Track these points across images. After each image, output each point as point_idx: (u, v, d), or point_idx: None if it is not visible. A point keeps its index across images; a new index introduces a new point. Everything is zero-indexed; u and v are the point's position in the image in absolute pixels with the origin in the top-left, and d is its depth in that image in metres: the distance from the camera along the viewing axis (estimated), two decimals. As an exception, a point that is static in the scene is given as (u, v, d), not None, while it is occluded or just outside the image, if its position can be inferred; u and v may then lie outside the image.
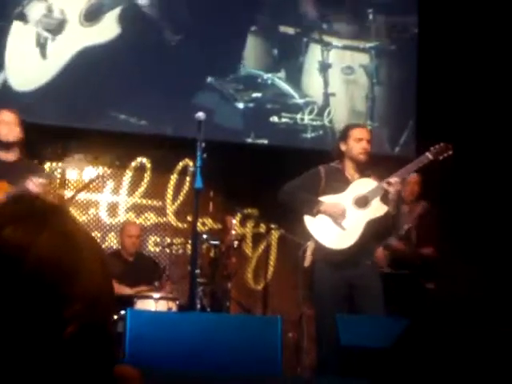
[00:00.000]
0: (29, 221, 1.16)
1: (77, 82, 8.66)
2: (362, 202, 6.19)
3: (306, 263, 6.16)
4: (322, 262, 6.12)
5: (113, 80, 8.78)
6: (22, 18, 8.62)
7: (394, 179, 6.13)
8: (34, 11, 8.62)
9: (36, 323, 1.11)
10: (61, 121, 8.67)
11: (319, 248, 6.13)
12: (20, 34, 8.62)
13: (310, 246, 6.16)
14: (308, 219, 6.19)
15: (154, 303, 7.14)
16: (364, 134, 6.34)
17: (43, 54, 8.67)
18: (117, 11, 8.84)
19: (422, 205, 7.83)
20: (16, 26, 8.61)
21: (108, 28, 8.80)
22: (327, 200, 6.19)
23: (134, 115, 8.78)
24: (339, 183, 6.24)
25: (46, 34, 8.67)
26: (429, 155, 6.35)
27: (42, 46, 8.67)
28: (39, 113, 8.53)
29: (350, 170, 6.31)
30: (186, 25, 9.01)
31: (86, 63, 8.69)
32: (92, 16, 8.79)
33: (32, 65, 8.65)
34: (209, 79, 9.01)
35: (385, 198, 6.20)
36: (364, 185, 6.25)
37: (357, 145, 6.24)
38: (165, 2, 9.02)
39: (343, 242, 6.11)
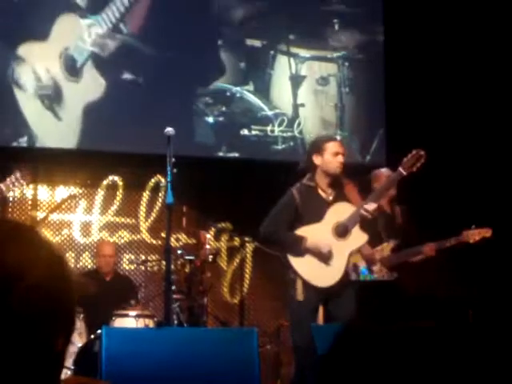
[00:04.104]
0: (18, 243, 1.15)
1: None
2: (342, 231, 6.05)
3: (299, 297, 6.01)
4: (308, 291, 6.03)
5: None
6: (18, 85, 8.67)
7: (371, 207, 6.03)
8: (25, 78, 8.66)
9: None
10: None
11: (306, 283, 6.02)
12: (24, 101, 8.69)
13: (299, 281, 6.02)
14: (293, 258, 6.04)
15: (130, 321, 7.10)
16: (339, 147, 6.19)
17: (57, 116, 8.75)
18: (89, 64, 8.88)
19: (402, 209, 7.35)
20: (16, 91, 8.69)
21: (94, 82, 8.87)
22: (308, 233, 6.02)
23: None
24: (315, 205, 6.08)
25: (47, 99, 8.72)
26: (402, 171, 6.21)
27: (51, 109, 8.72)
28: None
29: (323, 185, 6.14)
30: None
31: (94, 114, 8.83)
32: (72, 70, 8.82)
33: (52, 126, 8.76)
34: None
35: (363, 224, 6.10)
36: (342, 211, 6.10)
37: (334, 159, 6.08)
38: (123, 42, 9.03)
39: (329, 279, 6.00)
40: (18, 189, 7.81)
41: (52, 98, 8.73)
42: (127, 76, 8.94)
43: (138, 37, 9.01)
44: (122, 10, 8.93)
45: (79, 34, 8.86)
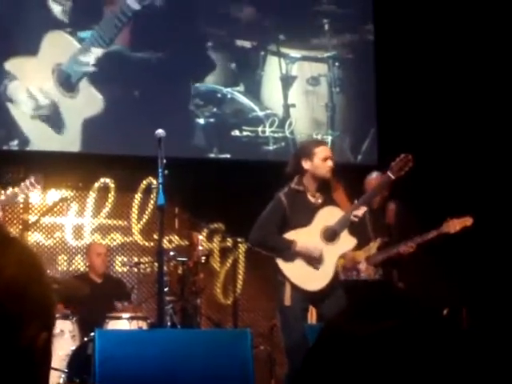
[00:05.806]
0: None
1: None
2: (330, 235, 6.02)
3: (287, 302, 5.99)
4: (297, 293, 6.01)
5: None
6: (12, 101, 8.67)
7: (361, 211, 6.02)
8: (19, 96, 8.66)
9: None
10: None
11: (295, 286, 6.01)
12: (19, 114, 8.71)
13: (288, 285, 5.96)
14: (281, 262, 5.99)
15: (124, 323, 7.09)
16: (328, 152, 6.15)
17: (55, 129, 8.77)
18: (85, 80, 8.87)
19: (393, 206, 7.35)
20: (11, 107, 8.70)
21: (90, 96, 8.87)
22: (297, 237, 5.98)
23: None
24: (303, 209, 6.03)
25: (44, 114, 8.74)
26: (391, 175, 6.22)
27: (48, 120, 8.74)
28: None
29: (311, 189, 6.08)
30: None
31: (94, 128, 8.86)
32: (67, 86, 8.82)
33: (52, 137, 8.78)
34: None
35: (352, 229, 6.08)
36: (331, 215, 6.06)
37: (324, 164, 6.01)
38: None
39: (318, 283, 5.97)
40: (33, 193, 7.83)
41: (50, 116, 8.75)
42: (122, 87, 8.96)
43: (129, 48, 9.02)
44: (117, 27, 8.95)
45: (71, 50, 8.85)
